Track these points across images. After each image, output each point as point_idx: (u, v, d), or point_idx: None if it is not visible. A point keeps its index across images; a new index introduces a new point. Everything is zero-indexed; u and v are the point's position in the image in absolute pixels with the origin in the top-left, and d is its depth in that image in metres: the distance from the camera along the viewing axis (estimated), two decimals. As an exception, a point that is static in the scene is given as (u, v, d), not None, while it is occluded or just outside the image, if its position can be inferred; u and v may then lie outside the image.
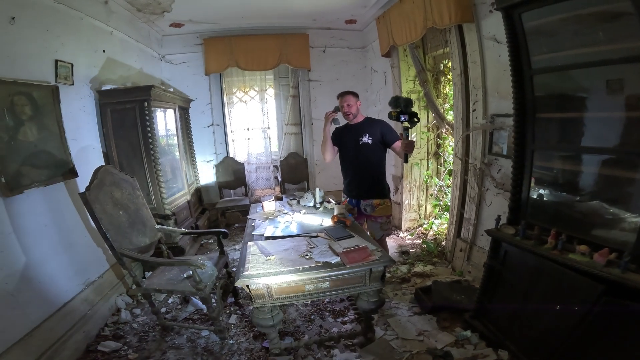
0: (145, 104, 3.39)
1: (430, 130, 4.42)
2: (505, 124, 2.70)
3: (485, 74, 2.92)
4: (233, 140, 5.70)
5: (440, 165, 4.46)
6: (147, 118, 3.40)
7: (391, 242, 4.18)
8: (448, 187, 4.16)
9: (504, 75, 2.58)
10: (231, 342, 2.52)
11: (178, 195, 4.25)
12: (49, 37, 2.67)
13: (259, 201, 3.96)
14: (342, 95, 2.89)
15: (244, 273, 1.95)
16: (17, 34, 2.35)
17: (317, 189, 3.21)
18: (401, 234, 4.52)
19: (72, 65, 2.86)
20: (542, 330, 1.92)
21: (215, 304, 2.49)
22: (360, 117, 2.94)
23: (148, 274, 3.14)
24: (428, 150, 4.49)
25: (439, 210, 4.50)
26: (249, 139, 5.68)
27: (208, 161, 5.56)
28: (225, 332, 2.54)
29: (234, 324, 2.74)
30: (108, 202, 2.49)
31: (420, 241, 4.20)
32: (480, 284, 2.44)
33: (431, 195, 4.59)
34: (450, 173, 3.96)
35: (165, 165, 3.97)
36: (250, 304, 2.01)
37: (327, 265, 2.00)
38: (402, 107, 2.40)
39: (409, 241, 4.31)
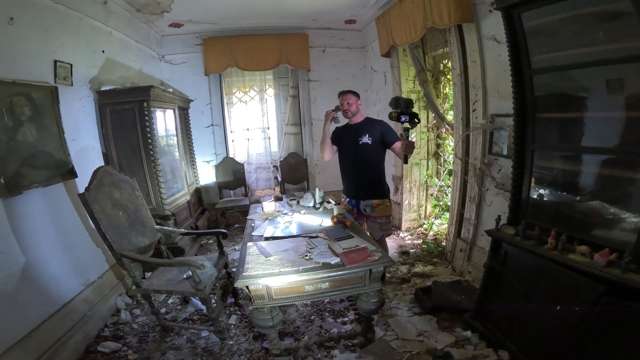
0: (145, 104, 3.38)
1: (430, 130, 4.41)
2: (505, 123, 2.70)
3: (485, 74, 2.91)
4: (233, 141, 5.69)
5: (440, 165, 4.45)
6: (147, 118, 3.40)
7: (391, 242, 4.18)
8: (448, 187, 4.15)
9: (503, 75, 2.58)
10: (231, 342, 2.51)
11: (178, 196, 4.25)
12: (48, 37, 2.66)
13: (258, 201, 3.97)
14: (343, 93, 2.89)
15: (244, 274, 1.94)
16: (16, 34, 2.35)
17: (317, 189, 3.21)
18: (401, 234, 4.52)
19: (71, 65, 2.86)
20: (543, 330, 1.92)
21: (215, 305, 2.49)
22: (360, 117, 2.93)
23: (148, 275, 3.13)
24: (428, 150, 4.49)
25: (439, 211, 4.50)
26: (248, 139, 5.68)
27: (208, 161, 5.56)
28: (225, 332, 2.53)
29: (233, 325, 2.74)
30: (107, 203, 2.49)
31: (420, 241, 4.19)
32: (481, 284, 2.44)
33: (431, 195, 4.59)
34: (450, 173, 3.95)
35: (165, 166, 3.97)
36: (250, 304, 2.01)
37: (326, 266, 2.00)
38: (402, 108, 2.40)
39: (409, 241, 4.31)
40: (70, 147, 2.77)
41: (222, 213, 5.26)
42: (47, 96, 2.58)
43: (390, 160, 4.42)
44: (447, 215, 3.88)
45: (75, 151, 2.87)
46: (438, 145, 4.43)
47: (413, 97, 4.29)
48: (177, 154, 4.52)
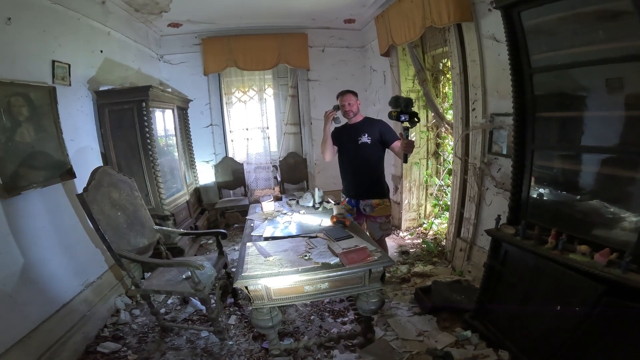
0: (144, 104, 3.37)
1: (430, 129, 4.41)
2: (504, 123, 2.69)
3: (484, 73, 2.91)
4: (232, 141, 5.69)
5: (440, 165, 4.45)
6: (145, 118, 3.39)
7: (391, 241, 4.17)
8: (448, 186, 4.15)
9: (503, 74, 2.57)
10: (230, 343, 2.51)
11: (177, 196, 4.24)
12: (46, 37, 2.66)
13: (258, 201, 3.95)
14: (342, 94, 2.88)
15: (243, 274, 1.94)
16: (14, 34, 2.34)
17: (317, 189, 3.20)
18: (401, 234, 4.51)
19: (69, 65, 2.85)
20: (543, 330, 1.92)
21: (214, 305, 2.49)
22: (359, 116, 2.93)
23: (147, 275, 3.13)
24: (427, 149, 4.48)
25: (438, 210, 4.50)
26: (248, 139, 5.67)
27: (207, 161, 5.55)
28: (224, 332, 2.53)
29: (233, 325, 2.73)
30: (106, 203, 2.48)
31: (420, 241, 4.19)
32: (481, 284, 2.43)
33: (431, 194, 4.59)
34: (449, 172, 3.95)
35: (164, 166, 3.96)
36: (249, 304, 2.00)
37: (326, 266, 1.99)
38: (402, 107, 2.39)
39: (408, 241, 4.30)
40: (68, 148, 2.76)
41: (222, 213, 5.25)
42: (45, 96, 2.57)
43: (390, 159, 4.42)
44: (447, 214, 3.88)
45: (74, 151, 2.87)
46: (438, 145, 4.43)
47: (412, 96, 4.28)
48: (176, 154, 4.51)
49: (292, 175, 5.65)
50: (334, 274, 1.97)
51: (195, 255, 3.99)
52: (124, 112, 3.38)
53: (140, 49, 4.38)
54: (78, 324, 2.52)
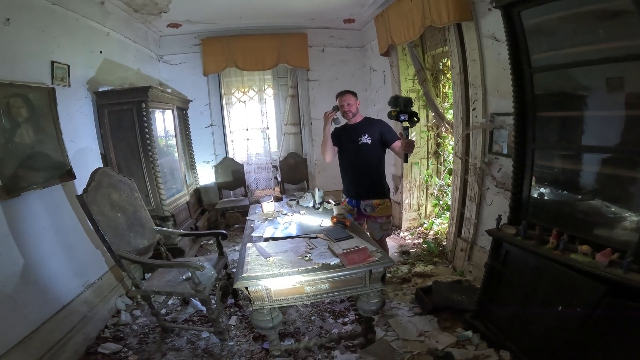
0: (143, 105, 3.37)
1: (430, 129, 4.40)
2: (505, 122, 2.69)
3: (484, 73, 2.90)
4: (232, 141, 5.68)
5: (440, 165, 4.44)
6: (145, 119, 3.38)
7: (391, 242, 4.17)
8: (448, 186, 4.15)
9: (503, 73, 2.57)
10: (231, 343, 2.51)
11: (177, 197, 4.24)
12: (45, 38, 2.65)
13: (258, 202, 3.95)
14: (341, 94, 2.87)
15: (243, 275, 1.93)
16: (13, 35, 2.34)
17: (317, 189, 3.20)
18: (401, 234, 4.51)
19: (68, 66, 2.84)
20: (544, 330, 1.91)
21: (214, 306, 2.48)
22: (359, 117, 2.92)
23: (148, 276, 3.12)
24: (428, 149, 4.48)
25: (439, 210, 4.49)
26: (248, 140, 5.66)
27: (207, 162, 5.55)
28: (225, 333, 2.52)
29: (234, 326, 2.73)
30: (106, 204, 2.47)
31: (420, 241, 4.18)
32: (481, 284, 2.43)
33: (431, 194, 4.58)
34: (450, 172, 3.94)
35: (164, 167, 3.96)
36: (250, 305, 2.00)
37: (326, 267, 1.99)
38: (401, 107, 2.39)
39: (409, 241, 4.30)
40: (68, 149, 2.75)
41: (222, 213, 5.25)
42: (45, 97, 2.57)
43: (390, 159, 4.41)
44: (448, 214, 3.88)
45: (74, 152, 2.86)
46: (438, 145, 4.42)
47: (412, 96, 4.28)
48: (176, 154, 4.51)
49: (293, 176, 5.65)
50: (335, 274, 1.96)
51: (196, 256, 3.99)
52: (123, 113, 3.37)
53: (139, 49, 4.37)
54: (78, 324, 2.52)
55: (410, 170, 4.47)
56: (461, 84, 3.16)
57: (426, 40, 3.93)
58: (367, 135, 2.80)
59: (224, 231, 2.97)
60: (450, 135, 3.84)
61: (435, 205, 4.57)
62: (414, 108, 2.44)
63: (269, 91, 5.66)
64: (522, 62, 2.02)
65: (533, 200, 2.15)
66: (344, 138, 2.92)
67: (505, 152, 2.77)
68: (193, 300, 2.99)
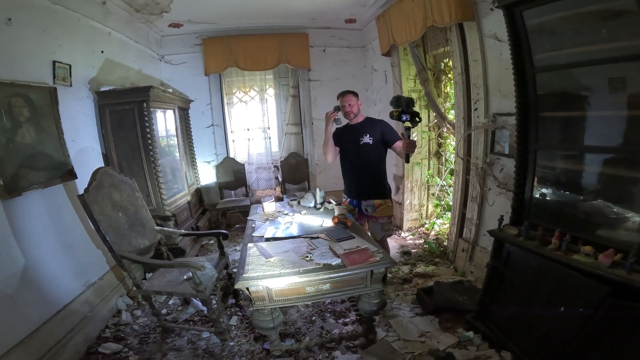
0: (144, 104, 3.37)
1: (432, 129, 4.40)
2: (507, 122, 2.68)
3: (486, 73, 2.89)
4: (233, 141, 5.68)
5: (442, 165, 4.44)
6: (147, 119, 3.39)
7: (392, 242, 4.16)
8: (450, 186, 4.14)
9: (505, 73, 2.55)
10: (232, 343, 2.50)
11: (178, 196, 4.24)
12: (46, 38, 2.65)
13: (259, 202, 3.94)
14: (342, 94, 2.87)
15: (244, 275, 1.93)
16: (14, 35, 2.34)
17: (318, 189, 3.19)
18: (403, 234, 4.50)
19: (70, 66, 2.85)
20: (546, 331, 1.90)
21: (215, 306, 2.48)
22: (360, 117, 2.92)
23: (149, 275, 3.12)
24: (429, 149, 4.47)
25: (440, 210, 4.48)
26: (249, 139, 5.67)
27: (208, 162, 5.55)
28: (225, 333, 2.52)
29: (234, 326, 2.73)
30: (107, 204, 2.47)
31: (422, 241, 4.18)
32: (483, 285, 2.42)
33: (433, 194, 4.57)
34: (451, 172, 3.94)
35: (165, 166, 3.96)
36: (250, 305, 2.00)
37: (327, 267, 1.98)
38: (403, 107, 2.38)
39: (410, 241, 4.29)
40: (69, 148, 2.76)
41: (223, 213, 5.25)
42: (46, 97, 2.57)
43: (392, 159, 4.39)
44: (449, 215, 3.87)
45: (75, 152, 2.86)
46: (439, 145, 4.41)
47: (414, 96, 4.26)
48: (177, 154, 4.51)
49: (294, 176, 5.64)
50: (336, 275, 1.96)
51: (197, 255, 3.99)
52: (125, 113, 3.38)
53: (141, 49, 4.38)
54: (79, 324, 2.51)
55: (411, 171, 4.47)
56: (463, 84, 3.16)
57: (428, 40, 3.92)
58: (368, 136, 2.80)
59: (225, 231, 2.97)
60: (451, 136, 3.84)
61: (436, 206, 4.56)
62: (416, 108, 2.43)
63: (270, 91, 5.66)
64: (525, 62, 2.02)
65: (535, 201, 2.14)
66: (346, 138, 2.92)
67: (507, 152, 2.76)
68: (194, 300, 2.99)
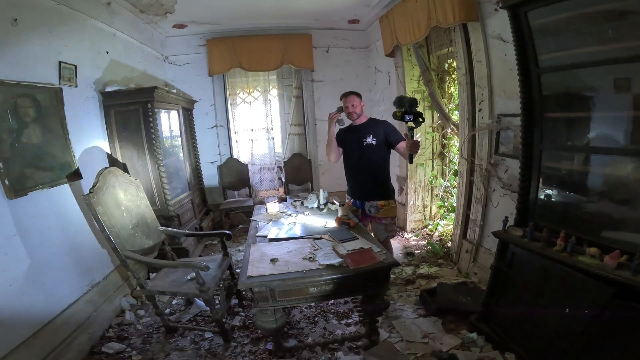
0: (149, 105, 3.39)
1: (435, 130, 4.38)
2: (512, 123, 2.67)
3: (491, 73, 2.88)
4: (237, 141, 5.70)
5: (446, 166, 4.42)
6: (151, 119, 3.40)
7: (396, 243, 4.15)
8: (453, 187, 4.12)
9: (510, 74, 2.55)
10: (235, 344, 2.50)
11: (182, 197, 4.25)
12: (52, 38, 2.67)
13: (262, 202, 3.95)
14: (345, 95, 2.87)
15: (247, 275, 1.93)
16: (20, 35, 2.36)
17: (321, 190, 3.20)
18: (406, 235, 4.49)
19: (75, 66, 2.87)
20: (550, 333, 1.89)
21: (218, 306, 2.49)
22: (363, 117, 2.91)
23: (152, 275, 3.13)
24: (433, 150, 4.46)
25: (444, 211, 4.47)
26: (252, 140, 5.68)
27: (212, 162, 5.56)
28: (228, 334, 2.53)
29: (237, 326, 2.72)
30: (111, 204, 2.49)
31: (425, 242, 4.16)
32: (487, 286, 2.41)
33: (436, 196, 4.56)
34: (455, 173, 3.92)
35: (169, 167, 3.97)
36: (254, 305, 2.00)
37: (331, 268, 1.98)
38: (406, 107, 2.38)
39: (413, 242, 4.28)
40: (75, 149, 2.78)
41: (226, 214, 5.26)
42: (52, 97, 2.59)
43: (395, 160, 4.39)
44: (453, 216, 3.85)
45: (80, 152, 2.89)
46: (443, 146, 4.40)
47: (417, 96, 4.25)
48: (181, 154, 4.52)
49: (297, 176, 5.64)
50: (339, 275, 1.96)
51: (200, 256, 4.00)
52: (129, 113, 3.40)
53: (145, 50, 4.40)
54: (83, 324, 2.53)
55: (415, 171, 4.46)
56: (467, 85, 3.15)
57: (431, 40, 3.91)
58: (371, 136, 2.80)
59: (228, 231, 2.98)
60: (455, 136, 3.82)
61: (440, 207, 4.55)
62: (419, 109, 2.43)
63: (274, 92, 5.67)
64: (529, 62, 2.01)
65: (540, 202, 2.13)
66: (349, 139, 2.91)
67: (511, 153, 2.75)
68: (197, 300, 3.00)
